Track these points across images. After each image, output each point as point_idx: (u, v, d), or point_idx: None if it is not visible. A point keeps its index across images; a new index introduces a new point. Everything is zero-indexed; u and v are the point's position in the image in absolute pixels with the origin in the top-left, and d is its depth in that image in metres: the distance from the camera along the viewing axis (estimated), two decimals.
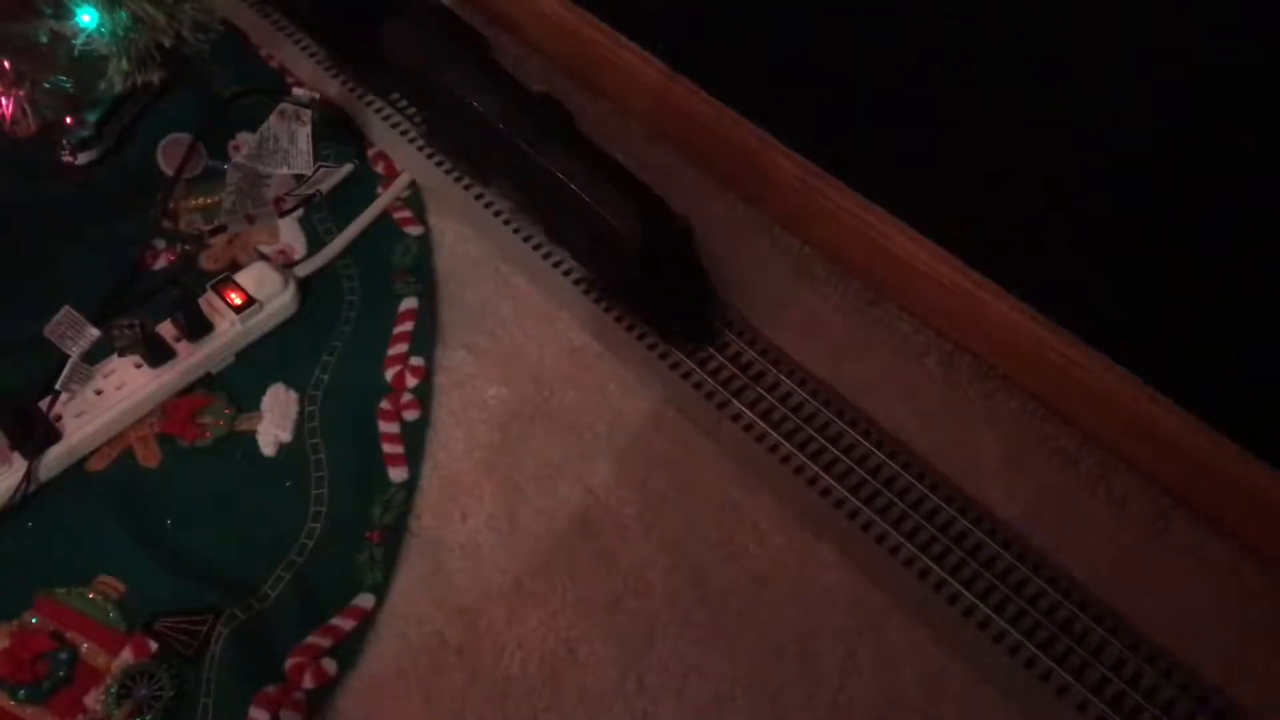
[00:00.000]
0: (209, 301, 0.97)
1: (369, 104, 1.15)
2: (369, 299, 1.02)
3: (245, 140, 1.12)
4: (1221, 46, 0.67)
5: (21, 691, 0.80)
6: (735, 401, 0.93)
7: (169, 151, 1.10)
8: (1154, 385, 0.86)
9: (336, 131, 1.13)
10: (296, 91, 1.16)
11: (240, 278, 0.98)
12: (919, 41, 0.85)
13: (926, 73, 0.86)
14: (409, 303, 1.01)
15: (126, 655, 0.82)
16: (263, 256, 1.02)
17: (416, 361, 0.97)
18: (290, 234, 1.06)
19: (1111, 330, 0.87)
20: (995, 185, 0.87)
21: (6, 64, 1.01)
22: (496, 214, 1.06)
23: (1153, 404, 0.86)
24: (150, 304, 0.99)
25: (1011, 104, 0.82)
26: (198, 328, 0.95)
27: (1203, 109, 0.71)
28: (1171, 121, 0.73)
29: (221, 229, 1.06)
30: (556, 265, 1.02)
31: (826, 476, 0.89)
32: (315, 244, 1.05)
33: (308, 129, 1.11)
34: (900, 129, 0.91)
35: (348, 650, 0.83)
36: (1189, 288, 0.80)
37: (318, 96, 1.15)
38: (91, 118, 1.09)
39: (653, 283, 0.93)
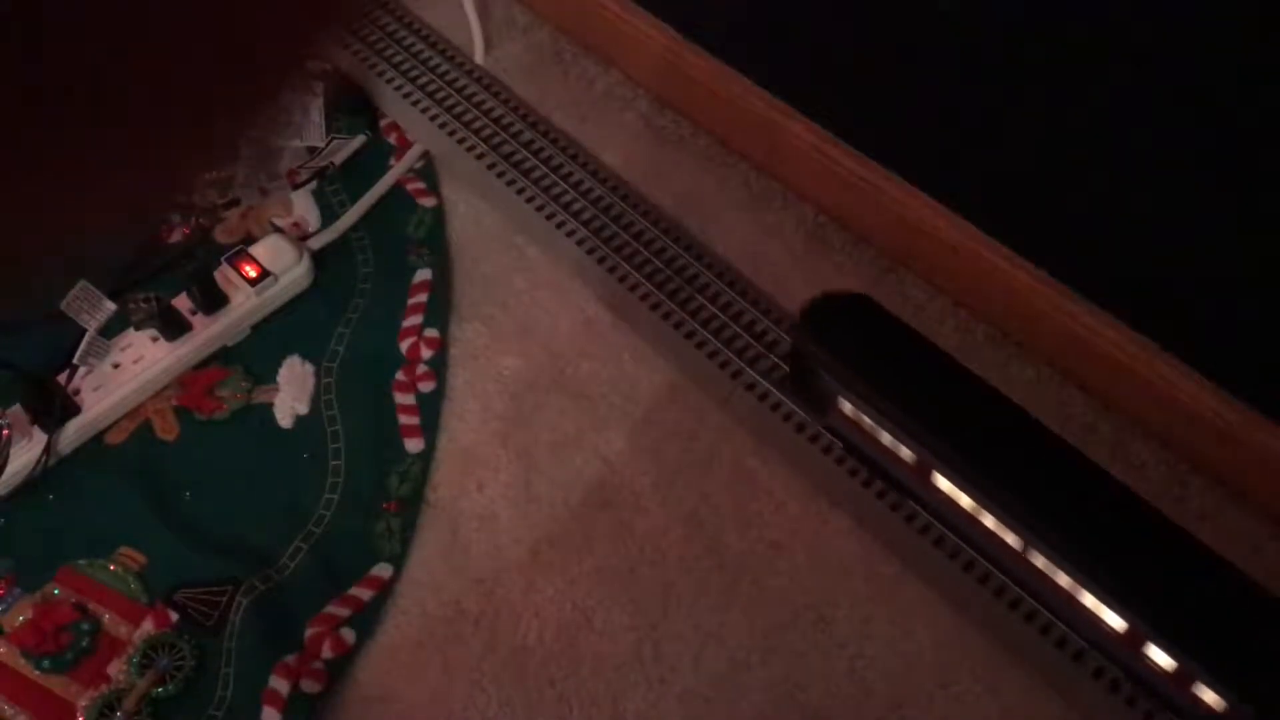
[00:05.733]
0: (224, 275, 0.97)
1: (380, 74, 1.15)
2: (383, 271, 1.02)
3: None
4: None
5: (46, 661, 0.81)
6: (749, 370, 0.93)
7: None
8: (1172, 351, 0.85)
9: (349, 103, 1.12)
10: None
11: (255, 250, 0.98)
12: (929, 4, 0.84)
13: (938, 35, 0.85)
14: (423, 274, 1.01)
15: (148, 626, 0.83)
16: (277, 229, 1.02)
17: (431, 333, 0.97)
18: (304, 206, 1.06)
19: (1127, 295, 0.86)
20: (1009, 149, 0.86)
21: None
22: (509, 184, 1.06)
23: (1170, 370, 0.85)
24: (165, 277, 0.99)
25: (1022, 67, 0.81)
26: (213, 301, 0.95)
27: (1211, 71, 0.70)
28: (1186, 81, 0.72)
29: (235, 202, 1.06)
30: (570, 235, 1.02)
31: (841, 446, 0.89)
32: (329, 216, 1.05)
33: (320, 100, 1.11)
34: (912, 92, 0.91)
35: (366, 620, 0.83)
36: (1206, 251, 0.79)
37: (329, 68, 1.15)
38: None
39: None
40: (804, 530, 0.86)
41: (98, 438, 0.92)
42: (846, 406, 0.80)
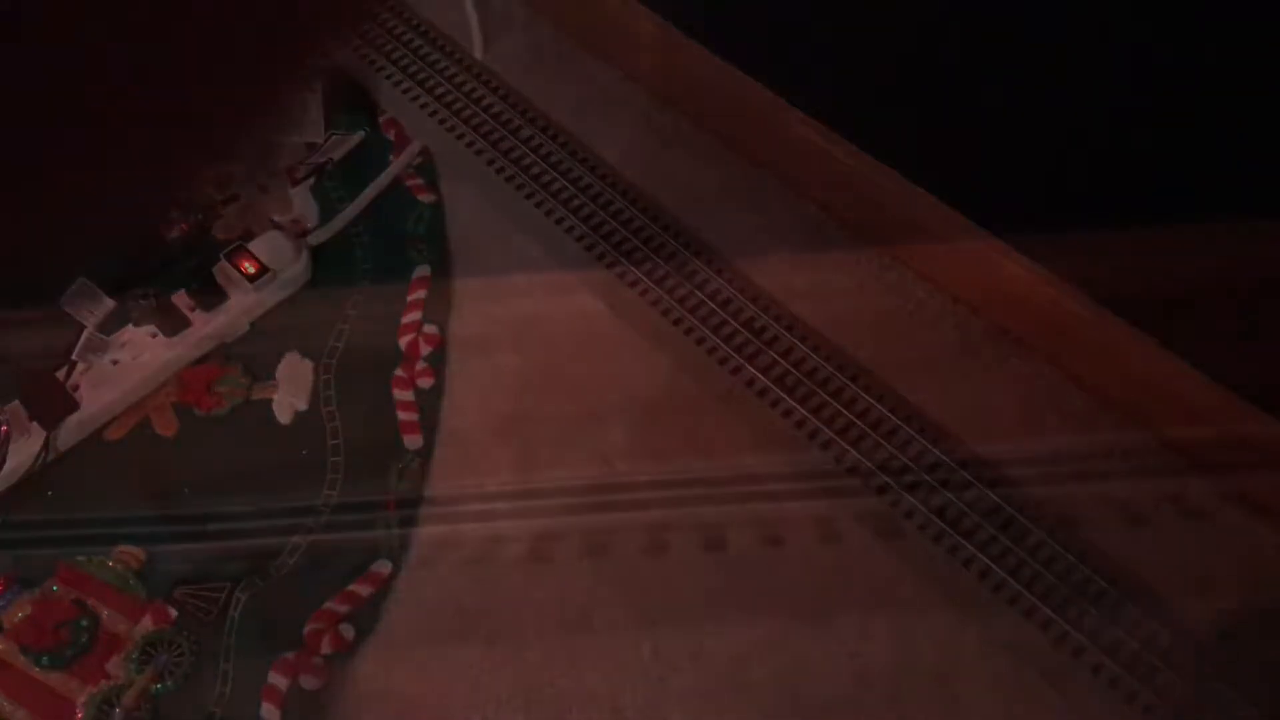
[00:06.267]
0: (223, 271, 0.97)
1: (379, 70, 1.15)
2: (382, 267, 1.02)
3: None
4: None
5: (45, 658, 0.81)
6: (749, 367, 0.93)
7: None
8: (1171, 349, 0.85)
9: (347, 99, 1.12)
10: None
11: (253, 247, 0.98)
12: (928, 2, 0.84)
13: (938, 32, 0.85)
14: (422, 271, 1.01)
15: (147, 622, 0.83)
16: (276, 225, 1.02)
17: (430, 329, 0.97)
18: (303, 203, 1.06)
19: (1126, 293, 0.86)
20: (1008, 146, 0.86)
21: None
22: (509, 180, 1.06)
23: (1170, 367, 0.85)
24: (165, 274, 0.99)
25: (1017, 62, 0.81)
26: (212, 297, 0.95)
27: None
28: (1189, 82, 0.72)
29: (234, 198, 1.06)
30: (569, 232, 1.02)
31: (841, 442, 0.89)
32: (328, 213, 1.05)
33: (318, 96, 1.11)
34: (912, 89, 0.90)
35: (366, 616, 0.83)
36: (1205, 249, 0.79)
37: (328, 64, 1.14)
38: None
39: None
40: (804, 528, 0.86)
41: (97, 434, 0.92)
42: None
